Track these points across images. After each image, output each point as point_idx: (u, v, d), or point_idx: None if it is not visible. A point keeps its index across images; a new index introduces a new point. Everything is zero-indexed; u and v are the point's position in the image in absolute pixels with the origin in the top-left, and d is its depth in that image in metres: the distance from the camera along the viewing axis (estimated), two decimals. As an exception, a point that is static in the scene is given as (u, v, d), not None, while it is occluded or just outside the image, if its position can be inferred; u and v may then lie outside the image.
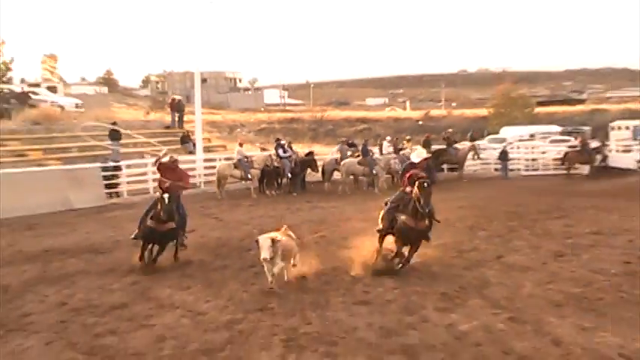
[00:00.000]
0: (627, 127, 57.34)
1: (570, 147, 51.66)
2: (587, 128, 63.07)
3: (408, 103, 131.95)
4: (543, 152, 54.11)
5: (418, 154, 19.83)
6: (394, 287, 17.81)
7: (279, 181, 42.58)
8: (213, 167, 45.10)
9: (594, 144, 50.29)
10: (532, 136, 61.64)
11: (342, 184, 43.74)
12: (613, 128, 58.96)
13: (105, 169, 40.56)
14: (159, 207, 20.87)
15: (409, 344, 13.50)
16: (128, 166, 42.50)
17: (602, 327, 14.31)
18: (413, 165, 19.89)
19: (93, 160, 42.99)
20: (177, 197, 21.86)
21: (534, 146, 56.37)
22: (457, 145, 50.96)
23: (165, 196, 20.73)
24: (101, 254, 23.90)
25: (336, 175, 45.24)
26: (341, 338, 13.98)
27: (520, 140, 58.26)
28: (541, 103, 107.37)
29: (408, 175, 19.62)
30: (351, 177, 44.33)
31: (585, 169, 47.29)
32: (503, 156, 50.34)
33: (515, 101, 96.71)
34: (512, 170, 50.17)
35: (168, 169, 22.13)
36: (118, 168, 41.57)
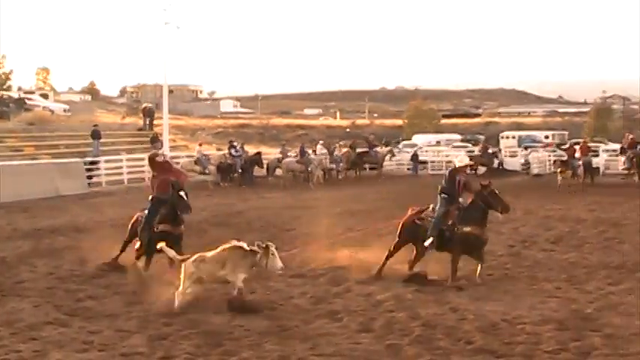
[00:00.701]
0: (514, 137, 58.33)
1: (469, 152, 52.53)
2: (482, 137, 63.66)
3: (338, 114, 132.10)
4: (447, 155, 54.55)
5: (461, 159, 17.79)
6: (324, 263, 17.87)
7: (232, 175, 42.63)
8: (178, 163, 45.34)
9: (492, 150, 50.90)
10: (438, 142, 62.21)
11: (283, 179, 44.09)
12: (503, 137, 59.70)
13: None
14: (180, 203, 16.76)
15: (334, 310, 13.52)
16: (107, 161, 42.65)
17: (491, 298, 14.47)
18: (457, 170, 16.95)
19: (78, 155, 42.96)
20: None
21: (440, 150, 56.97)
22: (377, 149, 51.44)
23: (182, 192, 17.03)
24: (84, 233, 23.85)
25: (278, 172, 45.49)
26: (279, 305, 14.03)
27: (428, 145, 58.75)
28: (446, 116, 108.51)
29: (462, 182, 16.42)
30: (290, 173, 44.69)
31: (482, 170, 47.66)
32: (414, 158, 50.78)
33: (425, 114, 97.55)
34: (421, 169, 50.45)
35: (163, 168, 18.14)
36: (97, 162, 41.76)
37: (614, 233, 22.81)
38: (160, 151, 19.04)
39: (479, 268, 16.19)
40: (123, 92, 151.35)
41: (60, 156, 42.97)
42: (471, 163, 19.02)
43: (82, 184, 38.98)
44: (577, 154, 43.29)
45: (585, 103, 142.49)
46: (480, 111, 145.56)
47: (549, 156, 50.79)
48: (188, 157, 46.36)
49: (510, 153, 52.00)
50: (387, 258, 16.82)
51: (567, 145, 48.58)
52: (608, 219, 26.55)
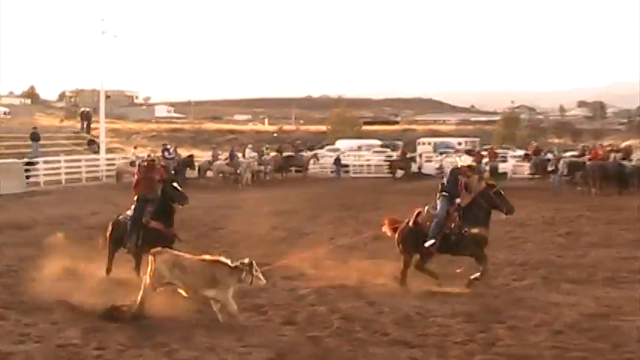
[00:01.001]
0: (429, 143, 58.64)
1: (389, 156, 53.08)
2: (400, 143, 64.05)
3: (266, 120, 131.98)
4: (368, 159, 54.85)
5: (464, 159, 16.90)
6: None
7: (165, 176, 42.44)
8: (114, 164, 45.31)
9: (410, 155, 51.33)
10: (359, 147, 62.35)
11: (214, 180, 44.06)
12: (419, 143, 60.16)
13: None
14: (175, 194, 15.76)
15: (260, 304, 13.54)
16: (45, 162, 42.03)
17: (407, 292, 14.61)
18: (459, 170, 15.91)
19: (17, 156, 42.26)
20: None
21: (361, 155, 57.15)
22: (302, 153, 51.66)
23: (175, 184, 16.03)
24: (22, 230, 23.53)
25: (209, 173, 45.43)
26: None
27: (350, 150, 58.91)
28: (367, 123, 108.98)
29: (463, 182, 15.56)
30: (221, 175, 44.66)
31: (400, 173, 47.97)
32: (337, 162, 50.91)
33: (347, 120, 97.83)
34: (344, 172, 50.58)
35: (150, 170, 16.59)
36: (36, 163, 41.21)
37: (519, 233, 23.10)
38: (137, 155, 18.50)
39: (482, 268, 14.99)
40: (62, 96, 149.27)
41: (0, 157, 42.27)
42: (473, 164, 17.84)
43: (21, 183, 38.38)
44: (484, 160, 44.07)
45: (495, 113, 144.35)
46: (398, 118, 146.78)
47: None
48: (124, 159, 46.24)
49: (426, 158, 52.43)
50: (406, 268, 15.39)
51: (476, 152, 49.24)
52: (513, 220, 26.63)
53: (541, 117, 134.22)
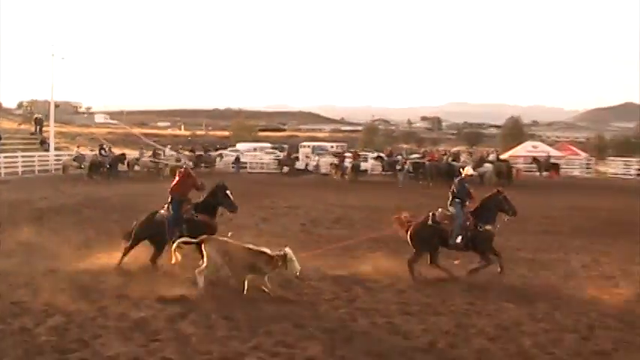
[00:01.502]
0: (309, 146, 58.67)
1: (277, 156, 53.25)
2: (286, 146, 63.95)
3: (182, 126, 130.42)
4: (261, 159, 54.74)
5: (467, 170, 15.21)
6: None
7: (101, 170, 41.55)
8: (61, 160, 44.48)
9: (294, 155, 51.51)
10: (255, 149, 62.09)
11: (140, 173, 43.50)
12: (301, 146, 60.14)
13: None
14: (227, 202, 14.20)
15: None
16: (5, 157, 41.05)
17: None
18: (464, 178, 14.58)
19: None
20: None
21: (256, 155, 56.99)
22: (210, 153, 51.37)
23: (228, 192, 14.30)
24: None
25: (137, 168, 44.78)
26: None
27: (247, 151, 58.67)
28: (261, 130, 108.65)
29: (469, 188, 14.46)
30: (146, 169, 44.04)
31: (286, 169, 48.03)
32: (237, 160, 50.68)
33: (246, 128, 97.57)
34: (242, 168, 50.37)
35: (188, 176, 14.76)
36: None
37: (376, 216, 23.41)
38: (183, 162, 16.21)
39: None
40: (19, 105, 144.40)
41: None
42: (475, 173, 16.91)
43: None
44: (348, 160, 44.85)
45: (359, 124, 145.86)
46: (285, 127, 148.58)
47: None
48: (69, 155, 45.16)
49: (307, 158, 52.55)
50: (434, 263, 13.85)
51: (346, 153, 49.75)
52: (371, 206, 27.23)
53: (393, 128, 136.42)
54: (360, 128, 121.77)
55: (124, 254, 13.88)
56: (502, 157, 46.93)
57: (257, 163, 53.29)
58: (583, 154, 57.31)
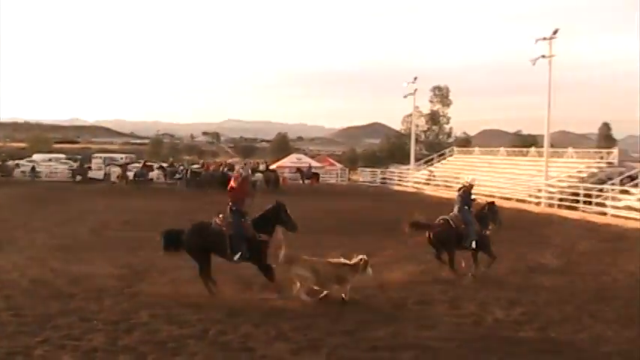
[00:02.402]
0: (101, 157, 56.23)
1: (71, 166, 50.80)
2: (80, 157, 60.91)
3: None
4: (56, 168, 51.80)
5: (467, 181, 14.83)
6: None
7: None
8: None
9: (87, 165, 49.58)
10: (50, 159, 58.58)
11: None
12: (94, 157, 57.47)
13: None
14: (290, 222, 11.73)
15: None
16: None
17: (94, 261, 14.27)
18: (468, 189, 14.47)
19: None
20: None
21: (51, 165, 53.71)
22: (7, 162, 48.27)
23: (287, 210, 11.85)
24: None
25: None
26: None
27: (44, 161, 55.29)
28: (57, 142, 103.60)
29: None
30: None
31: (79, 178, 45.94)
32: (33, 169, 47.83)
33: (44, 140, 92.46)
34: (38, 177, 47.45)
35: (245, 183, 12.43)
36: None
37: (160, 219, 22.97)
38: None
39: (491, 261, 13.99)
40: None
41: None
42: (474, 183, 16.21)
43: None
44: (134, 170, 44.12)
45: (147, 137, 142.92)
46: (79, 139, 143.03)
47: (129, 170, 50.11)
48: None
49: (98, 168, 50.46)
50: (447, 260, 13.74)
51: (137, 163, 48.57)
52: (155, 210, 26.75)
53: (178, 141, 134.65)
54: (147, 141, 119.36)
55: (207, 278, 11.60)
56: (271, 167, 48.12)
57: (52, 172, 50.43)
58: (339, 165, 59.77)
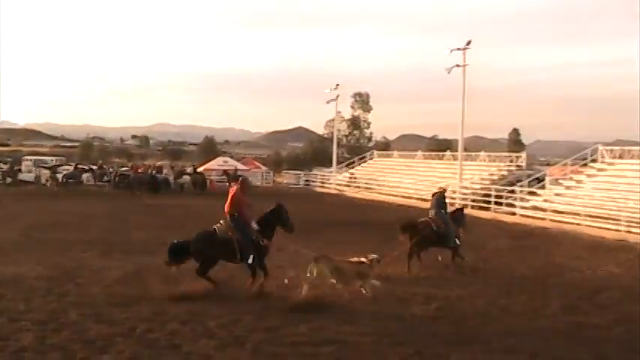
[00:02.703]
0: (32, 160, 54.01)
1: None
2: (10, 159, 58.56)
3: None
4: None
5: (442, 187, 16.07)
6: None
7: None
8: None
9: (17, 167, 47.55)
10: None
11: None
12: (24, 160, 55.30)
13: None
14: (289, 223, 11.79)
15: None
16: None
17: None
18: (442, 192, 15.44)
19: None
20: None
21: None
22: None
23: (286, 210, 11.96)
24: None
25: None
26: None
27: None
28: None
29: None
30: None
31: (9, 180, 44.07)
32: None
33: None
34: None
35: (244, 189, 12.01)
36: None
37: (88, 221, 22.76)
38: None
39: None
40: None
41: None
42: (447, 189, 17.14)
43: None
44: (66, 171, 42.76)
45: (78, 140, 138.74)
46: (10, 142, 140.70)
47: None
48: None
49: (29, 170, 48.59)
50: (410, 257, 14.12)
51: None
52: (84, 212, 26.06)
53: (108, 144, 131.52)
54: (77, 144, 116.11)
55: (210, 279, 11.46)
56: (198, 170, 47.56)
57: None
58: (264, 168, 59.38)
